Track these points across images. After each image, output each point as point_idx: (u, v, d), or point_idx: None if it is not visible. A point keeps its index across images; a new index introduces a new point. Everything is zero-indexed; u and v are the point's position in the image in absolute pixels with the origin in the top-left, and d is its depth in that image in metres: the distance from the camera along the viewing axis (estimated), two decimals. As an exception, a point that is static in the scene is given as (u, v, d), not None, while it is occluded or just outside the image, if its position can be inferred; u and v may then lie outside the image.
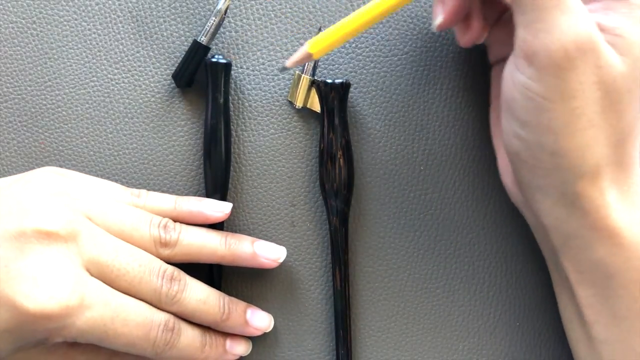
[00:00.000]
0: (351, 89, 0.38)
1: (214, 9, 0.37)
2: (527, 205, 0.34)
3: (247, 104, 0.39)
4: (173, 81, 0.38)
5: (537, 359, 0.39)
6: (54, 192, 0.33)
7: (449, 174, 0.39)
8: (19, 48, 0.39)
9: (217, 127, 0.37)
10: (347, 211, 0.38)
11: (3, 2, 0.39)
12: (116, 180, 0.38)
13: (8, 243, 0.31)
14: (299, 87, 0.38)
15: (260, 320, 0.37)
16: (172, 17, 0.39)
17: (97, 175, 0.38)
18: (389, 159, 0.39)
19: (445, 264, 0.39)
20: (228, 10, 0.38)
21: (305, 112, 0.39)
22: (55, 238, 0.31)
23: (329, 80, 0.37)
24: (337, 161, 0.37)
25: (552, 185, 0.31)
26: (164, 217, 0.36)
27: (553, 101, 0.29)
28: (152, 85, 0.39)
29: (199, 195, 0.38)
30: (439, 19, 0.32)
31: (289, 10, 0.39)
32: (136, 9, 0.39)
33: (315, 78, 0.38)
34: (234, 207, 0.38)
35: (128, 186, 0.38)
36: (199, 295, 0.35)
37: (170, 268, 0.34)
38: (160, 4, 0.39)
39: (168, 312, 0.34)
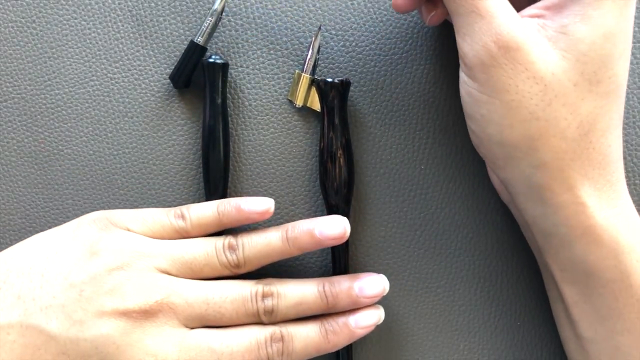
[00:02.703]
0: (351, 88, 0.38)
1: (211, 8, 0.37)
2: (513, 203, 0.34)
3: (247, 103, 0.39)
4: (172, 81, 0.38)
5: (538, 359, 0.38)
6: (132, 258, 0.33)
7: (449, 172, 0.39)
8: (19, 48, 0.39)
9: (216, 128, 0.37)
10: (347, 210, 0.38)
11: (3, 2, 0.39)
12: (115, 180, 0.38)
13: (117, 320, 0.32)
14: (299, 86, 0.38)
15: (371, 288, 0.35)
16: (172, 16, 0.39)
17: (97, 175, 0.38)
18: (389, 158, 0.39)
19: (445, 263, 0.39)
20: (227, 10, 0.38)
21: (305, 111, 0.39)
22: (152, 314, 0.32)
23: (329, 79, 0.37)
24: (337, 160, 0.37)
25: (515, 178, 0.32)
26: (209, 229, 0.35)
27: (488, 94, 0.30)
28: (152, 84, 0.39)
29: (199, 195, 0.38)
30: None
31: (289, 9, 0.38)
32: (136, 8, 0.39)
33: (316, 77, 0.38)
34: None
35: (127, 185, 0.38)
36: (295, 298, 0.34)
37: (260, 286, 0.34)
38: (160, 3, 0.39)
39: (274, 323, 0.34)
